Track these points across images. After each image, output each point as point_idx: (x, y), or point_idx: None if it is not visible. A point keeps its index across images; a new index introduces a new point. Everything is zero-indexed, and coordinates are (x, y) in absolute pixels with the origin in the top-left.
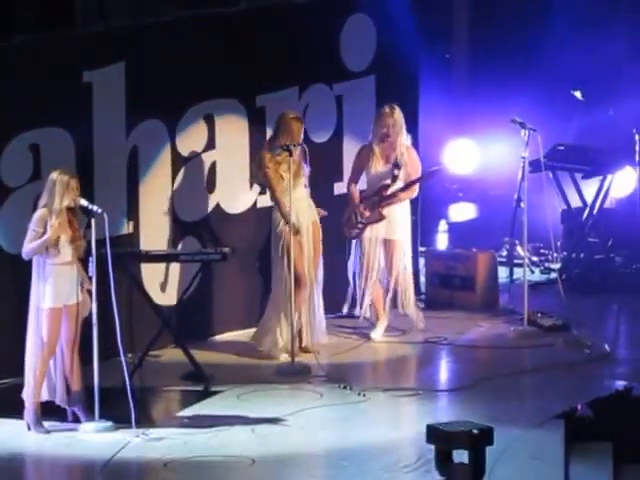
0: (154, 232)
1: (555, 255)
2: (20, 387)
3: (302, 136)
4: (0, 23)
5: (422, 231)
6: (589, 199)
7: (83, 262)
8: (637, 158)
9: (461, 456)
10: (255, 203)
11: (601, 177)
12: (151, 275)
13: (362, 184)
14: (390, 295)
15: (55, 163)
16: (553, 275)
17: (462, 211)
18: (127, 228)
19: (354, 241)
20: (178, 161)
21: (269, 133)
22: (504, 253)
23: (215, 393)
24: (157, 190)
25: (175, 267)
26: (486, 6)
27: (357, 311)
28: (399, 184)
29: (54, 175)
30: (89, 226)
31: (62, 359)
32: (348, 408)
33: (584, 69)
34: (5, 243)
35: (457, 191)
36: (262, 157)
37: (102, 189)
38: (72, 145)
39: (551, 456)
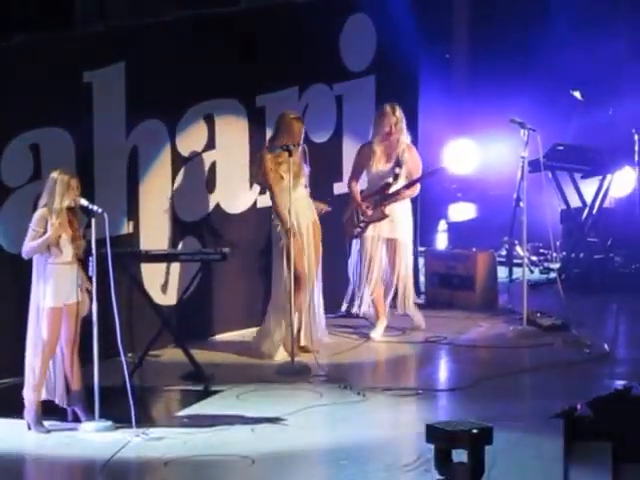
0: (154, 232)
1: (554, 255)
2: (20, 387)
3: (303, 136)
4: (0, 23)
5: (422, 231)
6: (588, 199)
7: (83, 262)
8: (636, 158)
9: (460, 455)
10: (255, 203)
11: (600, 177)
12: (151, 275)
13: (362, 184)
14: (391, 295)
15: (55, 163)
16: (552, 275)
17: (462, 211)
18: (127, 228)
19: (355, 240)
20: (178, 161)
21: (269, 133)
22: (503, 253)
23: (215, 393)
24: (157, 190)
25: (175, 267)
26: (486, 6)
27: (356, 309)
28: (401, 182)
29: (54, 175)
30: (89, 226)
31: (62, 359)
32: (348, 408)
33: (584, 69)
34: (5, 243)
35: (456, 191)
36: (262, 157)
37: (102, 189)
38: (72, 145)
39: (550, 455)
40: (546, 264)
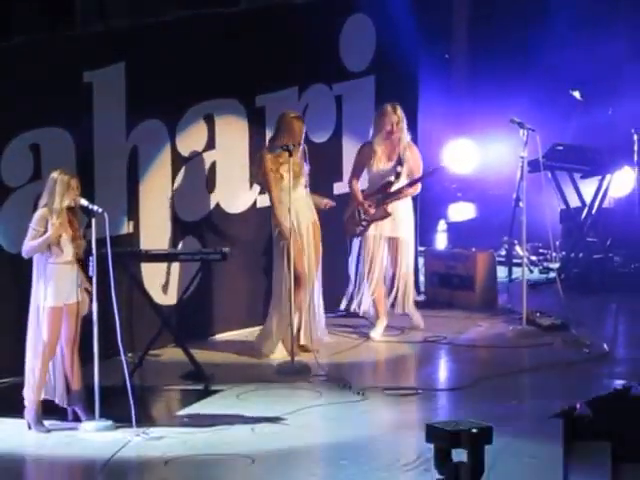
0: (154, 232)
1: (554, 255)
2: (20, 386)
3: (304, 136)
4: (0, 23)
5: (421, 231)
6: (588, 199)
7: (83, 261)
8: (636, 158)
9: (460, 455)
10: (255, 203)
11: (600, 177)
12: (151, 275)
13: (362, 184)
14: (393, 294)
15: (55, 163)
16: (552, 274)
17: (461, 211)
18: (127, 228)
19: (355, 239)
20: (178, 161)
21: (269, 133)
22: (503, 253)
23: (215, 392)
24: (157, 190)
25: (175, 267)
26: (486, 6)
27: (356, 308)
28: (402, 181)
29: (54, 175)
30: (89, 226)
31: (62, 358)
32: (347, 407)
33: (583, 69)
34: (5, 243)
35: (456, 191)
36: (262, 157)
37: (102, 189)
38: (72, 145)
39: (550, 455)
40: (545, 264)
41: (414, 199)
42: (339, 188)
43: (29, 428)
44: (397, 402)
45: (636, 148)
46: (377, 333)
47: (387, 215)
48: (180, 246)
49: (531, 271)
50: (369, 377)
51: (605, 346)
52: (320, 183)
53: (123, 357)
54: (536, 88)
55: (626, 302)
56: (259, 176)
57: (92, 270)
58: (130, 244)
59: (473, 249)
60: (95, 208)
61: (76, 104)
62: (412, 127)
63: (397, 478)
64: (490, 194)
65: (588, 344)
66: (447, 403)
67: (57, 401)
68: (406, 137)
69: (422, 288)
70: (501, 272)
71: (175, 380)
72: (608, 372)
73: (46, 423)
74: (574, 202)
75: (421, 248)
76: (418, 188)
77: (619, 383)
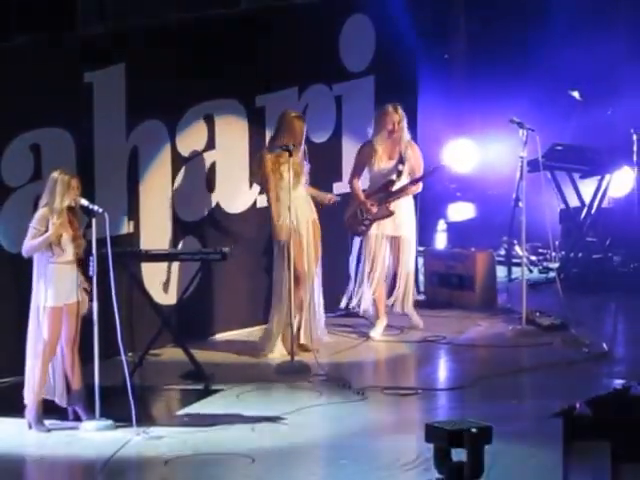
0: (154, 232)
1: (553, 254)
2: (21, 386)
3: (305, 135)
4: (1, 23)
5: (421, 230)
6: (587, 199)
7: (83, 261)
8: (635, 158)
9: (460, 455)
10: (255, 203)
11: (599, 177)
12: (151, 274)
13: (362, 183)
14: (395, 294)
15: (56, 163)
16: (551, 274)
17: (461, 211)
18: (127, 228)
19: (356, 238)
20: (178, 161)
21: (269, 133)
22: (502, 252)
23: (215, 392)
24: (157, 190)
25: (175, 266)
26: (485, 6)
27: (356, 307)
28: (404, 179)
29: (55, 175)
30: (90, 226)
31: (62, 358)
32: (347, 407)
33: (583, 69)
34: (6, 243)
35: (456, 191)
36: (262, 157)
37: (103, 189)
38: (73, 145)
39: (549, 455)
40: (545, 264)
41: (414, 198)
42: (339, 188)
43: (30, 428)
44: (397, 402)
45: (635, 148)
46: (377, 333)
47: (390, 214)
48: (180, 246)
49: (530, 271)
50: (369, 377)
51: (604, 345)
52: (320, 183)
53: (123, 357)
54: (536, 88)
55: (625, 301)
56: (259, 176)
57: (92, 270)
58: (130, 244)
59: (473, 249)
60: (95, 208)
61: (76, 104)
62: (412, 127)
63: (397, 478)
64: (490, 194)
65: (587, 344)
66: (447, 403)
67: (57, 401)
68: (407, 136)
69: (422, 288)
70: (501, 272)
71: (175, 380)
72: (607, 371)
73: (46, 423)
74: (573, 202)
75: (420, 248)
76: (420, 186)
77: (619, 382)
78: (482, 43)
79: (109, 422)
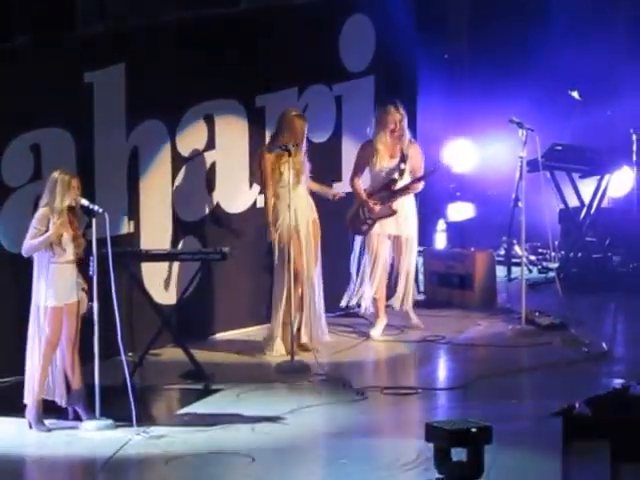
0: (154, 231)
1: (553, 254)
2: (21, 385)
3: (306, 134)
4: (1, 24)
5: (421, 230)
6: (587, 199)
7: (83, 261)
8: (634, 158)
9: (460, 454)
10: (255, 203)
11: (599, 177)
12: (151, 274)
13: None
14: (397, 293)
15: (56, 163)
16: (551, 274)
17: (460, 210)
18: (128, 227)
19: (357, 237)
20: (178, 161)
21: (269, 133)
22: (502, 252)
23: (215, 391)
24: (157, 190)
25: (175, 266)
26: (485, 6)
27: (356, 306)
28: (406, 178)
29: (55, 175)
30: (90, 226)
31: (62, 358)
32: (347, 406)
33: (583, 69)
34: (6, 242)
35: (455, 190)
36: (262, 155)
37: (103, 189)
38: (73, 145)
39: (549, 454)
40: (545, 263)
41: (414, 198)
42: (338, 188)
43: (30, 427)
44: (397, 401)
45: (635, 148)
46: (377, 332)
47: (393, 213)
48: (180, 246)
49: (530, 271)
50: (369, 376)
51: (604, 345)
52: (319, 183)
53: (123, 356)
54: (535, 88)
55: (625, 301)
56: (258, 175)
57: (92, 270)
58: (130, 244)
59: (472, 249)
60: (95, 208)
61: (76, 104)
62: (411, 127)
63: (397, 477)
64: (489, 194)
65: (587, 343)
66: (446, 402)
67: (57, 401)
68: (408, 134)
69: (421, 287)
70: (500, 272)
71: (175, 379)
72: (607, 371)
73: (47, 422)
74: (573, 202)
75: (420, 248)
76: (422, 185)
77: (618, 382)
78: (482, 43)
79: (109, 422)
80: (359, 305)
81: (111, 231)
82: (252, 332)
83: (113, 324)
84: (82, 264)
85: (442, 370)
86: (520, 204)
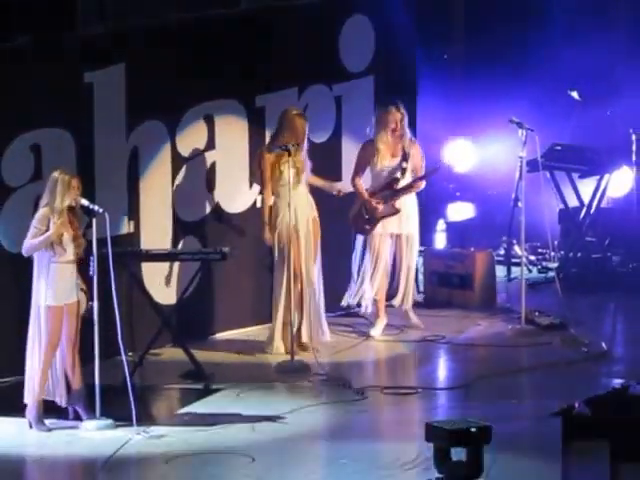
0: (155, 231)
1: (552, 254)
2: (22, 385)
3: (307, 133)
4: (1, 24)
5: (420, 230)
6: (586, 199)
7: (83, 261)
8: (634, 158)
9: (459, 454)
10: (255, 203)
11: (598, 177)
12: (151, 274)
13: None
14: (398, 291)
15: (56, 163)
16: (551, 274)
17: (460, 210)
18: (128, 227)
19: (359, 236)
20: (178, 161)
21: (269, 133)
22: (502, 252)
23: (215, 391)
24: (158, 190)
25: (175, 266)
26: (484, 6)
27: (356, 305)
28: (408, 176)
29: (55, 175)
30: (90, 226)
31: (62, 358)
32: (347, 406)
33: (582, 69)
34: (6, 242)
35: (455, 190)
36: (261, 155)
37: (103, 189)
38: (73, 145)
39: (549, 454)
40: (544, 263)
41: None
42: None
43: (30, 427)
44: (396, 401)
45: (634, 148)
46: (377, 332)
47: (397, 211)
48: (180, 246)
49: (530, 270)
50: (369, 376)
51: (603, 345)
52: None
53: (123, 356)
54: (535, 88)
55: (624, 301)
56: (258, 175)
57: (93, 270)
58: (130, 244)
59: (472, 249)
60: (96, 208)
61: (76, 104)
62: (411, 127)
63: (396, 477)
64: (489, 194)
65: (586, 343)
66: (446, 402)
67: (57, 401)
68: (408, 133)
69: (421, 287)
70: (500, 271)
71: (175, 379)
72: (606, 371)
73: (47, 422)
74: (573, 202)
75: (420, 248)
76: (424, 183)
77: (617, 382)
78: (482, 43)
79: (109, 421)
80: (359, 305)
81: (111, 231)
82: (252, 332)
83: (113, 324)
84: (82, 264)
85: (442, 370)
86: (520, 204)
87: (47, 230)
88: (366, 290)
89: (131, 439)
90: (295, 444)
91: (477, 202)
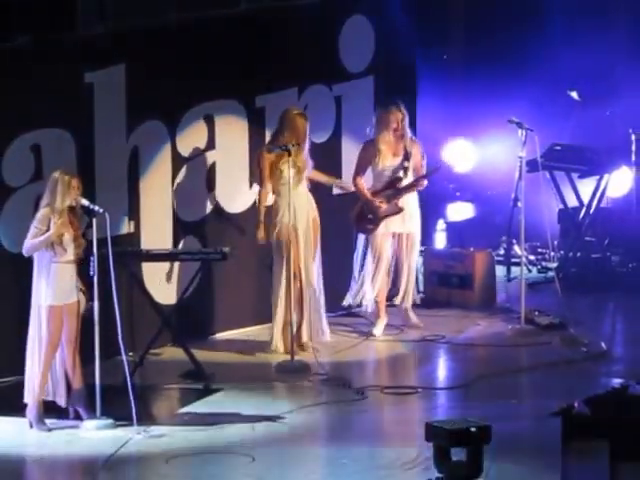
0: (155, 231)
1: (552, 254)
2: (22, 385)
3: (308, 132)
4: (2, 24)
5: (421, 230)
6: (586, 199)
7: (83, 261)
8: (633, 158)
9: (459, 454)
10: (255, 203)
11: (598, 177)
12: (152, 274)
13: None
14: (399, 290)
15: (56, 163)
16: (550, 274)
17: (460, 210)
18: (128, 228)
19: (361, 235)
20: (178, 161)
21: (269, 133)
22: (502, 252)
23: (215, 391)
24: (158, 190)
25: (175, 266)
26: (484, 6)
27: (356, 305)
28: (409, 175)
29: (56, 175)
30: (90, 226)
31: (62, 358)
32: (347, 406)
33: (582, 69)
34: (7, 242)
35: (455, 190)
36: (261, 154)
37: (103, 189)
38: (73, 146)
39: (548, 454)
40: (544, 263)
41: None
42: (338, 188)
43: (30, 427)
44: (397, 401)
45: (634, 148)
46: (378, 331)
47: (400, 210)
48: (180, 246)
49: (529, 270)
50: (369, 376)
51: (603, 345)
52: (319, 183)
53: (124, 356)
54: (535, 88)
55: (624, 301)
56: (258, 175)
57: (93, 270)
58: (131, 244)
59: (472, 248)
60: (96, 208)
61: (77, 104)
62: (411, 127)
63: (396, 477)
64: (489, 194)
65: (586, 343)
66: (446, 402)
67: (58, 401)
68: (409, 133)
69: (421, 287)
70: (500, 271)
71: (175, 379)
72: (606, 371)
73: (47, 422)
74: (572, 202)
75: (420, 247)
76: (426, 182)
77: (617, 382)
78: (481, 43)
79: (110, 421)
80: (360, 305)
81: (111, 231)
82: (252, 332)
83: (113, 324)
84: (82, 264)
85: (442, 370)
86: (519, 204)
87: (47, 230)
88: (367, 291)
89: (131, 439)
90: (295, 444)
91: (477, 202)
